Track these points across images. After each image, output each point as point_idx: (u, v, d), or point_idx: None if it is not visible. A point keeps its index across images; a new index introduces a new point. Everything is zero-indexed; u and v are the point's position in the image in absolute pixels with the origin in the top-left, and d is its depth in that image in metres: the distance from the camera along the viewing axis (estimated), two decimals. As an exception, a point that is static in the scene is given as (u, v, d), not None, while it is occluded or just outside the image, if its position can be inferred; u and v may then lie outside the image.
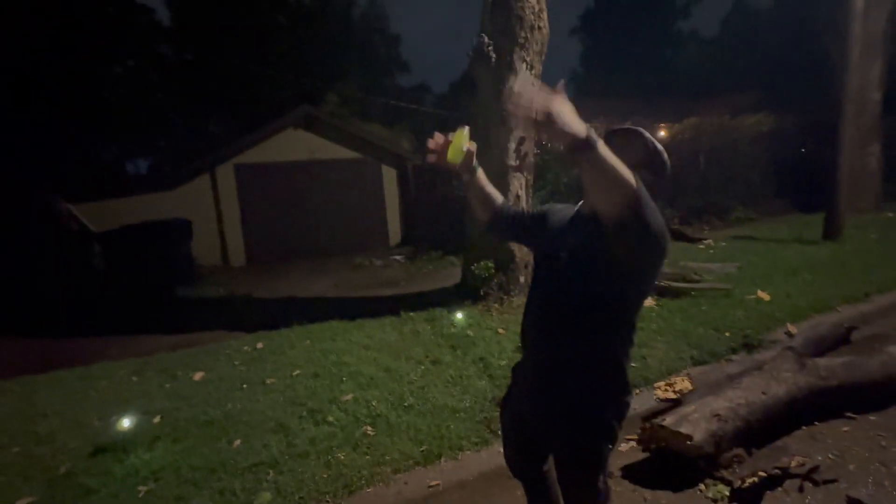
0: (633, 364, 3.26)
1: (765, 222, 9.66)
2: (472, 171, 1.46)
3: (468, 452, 2.55)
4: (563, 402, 1.28)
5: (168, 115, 16.58)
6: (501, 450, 2.60)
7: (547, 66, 4.88)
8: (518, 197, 4.72)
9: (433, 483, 2.31)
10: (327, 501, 2.21)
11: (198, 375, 3.67)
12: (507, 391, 1.58)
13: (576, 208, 1.42)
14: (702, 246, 7.42)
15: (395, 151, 10.28)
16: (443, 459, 2.47)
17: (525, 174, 4.75)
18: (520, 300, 4.72)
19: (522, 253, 4.85)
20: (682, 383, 2.82)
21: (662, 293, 4.56)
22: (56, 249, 6.68)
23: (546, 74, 5.06)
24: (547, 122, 0.90)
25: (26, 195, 6.83)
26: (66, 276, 6.56)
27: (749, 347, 3.54)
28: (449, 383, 3.24)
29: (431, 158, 1.35)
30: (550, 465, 1.56)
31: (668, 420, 2.29)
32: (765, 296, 4.45)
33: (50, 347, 4.97)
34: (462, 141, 1.30)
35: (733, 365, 3.27)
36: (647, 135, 1.28)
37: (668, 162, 1.29)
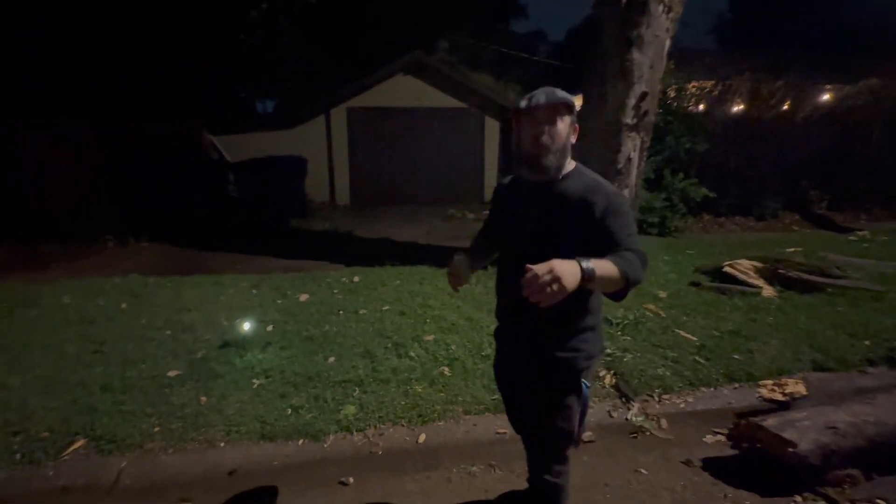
0: (736, 357, 3.00)
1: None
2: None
3: (539, 410, 2.57)
4: (539, 360, 1.42)
5: (292, 58, 17.76)
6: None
7: (688, 8, 4.23)
8: (629, 160, 4.32)
9: (500, 430, 2.38)
10: (402, 425, 2.42)
11: (303, 297, 4.13)
12: (495, 356, 1.68)
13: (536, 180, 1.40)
14: (853, 238, 6.23)
15: (501, 103, 9.94)
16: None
17: (642, 134, 4.30)
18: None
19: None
20: (795, 386, 2.49)
21: (788, 284, 3.96)
22: (199, 174, 7.78)
23: (686, 18, 4.37)
24: (560, 291, 1.01)
25: (177, 126, 7.94)
26: (206, 199, 7.66)
27: (894, 362, 2.97)
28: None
29: (456, 287, 1.51)
30: None
31: (771, 422, 2.06)
32: (929, 306, 3.65)
33: (192, 256, 5.94)
34: (463, 269, 1.50)
35: (868, 378, 2.79)
36: (558, 96, 1.29)
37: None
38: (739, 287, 3.95)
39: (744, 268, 4.15)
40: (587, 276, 1.05)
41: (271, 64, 16.22)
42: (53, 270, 5.34)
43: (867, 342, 3.18)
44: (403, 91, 9.66)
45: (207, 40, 13.02)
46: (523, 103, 1.30)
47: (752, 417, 2.14)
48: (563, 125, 1.30)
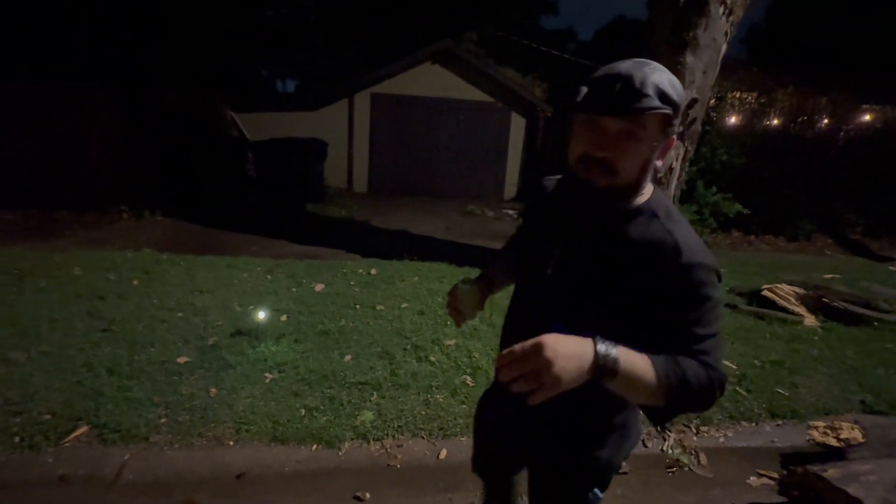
0: (780, 391, 2.80)
1: None
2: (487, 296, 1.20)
3: (567, 432, 2.40)
4: (557, 431, 1.01)
5: (316, 39, 17.58)
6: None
7: (748, 12, 3.96)
8: (671, 170, 4.09)
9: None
10: (423, 437, 2.26)
11: (318, 287, 3.98)
12: (490, 388, 1.30)
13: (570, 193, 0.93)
14: (893, 268, 5.94)
15: (529, 99, 9.67)
16: (540, 432, 2.36)
17: (686, 143, 4.07)
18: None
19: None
20: (851, 432, 2.29)
21: (832, 315, 3.73)
22: (219, 150, 7.65)
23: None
24: (553, 385, 0.66)
25: (199, 97, 7.80)
26: (224, 176, 7.54)
27: (951, 411, 2.74)
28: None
29: (459, 323, 1.14)
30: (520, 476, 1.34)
31: (832, 473, 1.86)
32: None
33: (206, 234, 5.82)
34: (470, 303, 1.14)
35: (929, 428, 2.57)
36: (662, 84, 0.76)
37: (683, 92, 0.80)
38: (779, 313, 3.72)
39: (784, 293, 3.92)
40: (604, 367, 0.68)
41: (296, 43, 16.06)
42: (66, 238, 5.25)
43: (920, 386, 2.96)
44: (430, 80, 9.43)
45: (233, 14, 12.87)
46: (584, 92, 0.78)
47: (808, 466, 1.94)
48: (646, 146, 0.78)
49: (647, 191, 0.88)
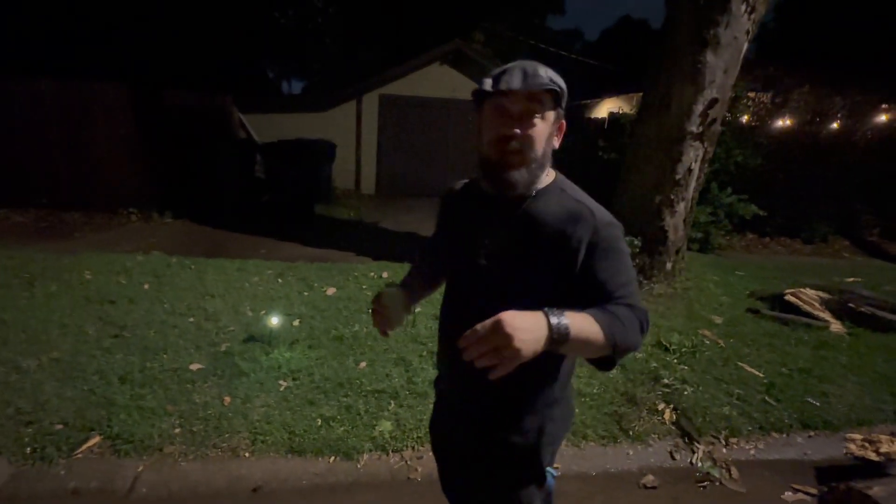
0: (810, 400, 2.70)
1: None
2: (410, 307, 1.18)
3: (592, 444, 2.33)
4: (495, 432, 1.06)
5: (324, 40, 17.57)
6: (630, 452, 2.37)
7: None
8: (689, 171, 3.99)
9: (553, 465, 2.13)
10: (443, 449, 2.18)
11: (330, 290, 3.91)
12: (433, 412, 1.29)
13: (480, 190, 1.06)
14: (915, 271, 5.80)
15: (537, 100, 9.56)
16: (564, 444, 2.27)
17: (706, 144, 3.97)
18: (662, 289, 4.15)
19: (677, 236, 4.19)
20: (891, 445, 2.18)
21: (858, 320, 3.62)
22: (228, 152, 7.61)
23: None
24: (514, 357, 0.70)
25: (208, 99, 7.77)
26: (233, 177, 7.50)
27: None
28: (577, 364, 2.98)
29: (385, 331, 1.11)
30: None
31: (877, 491, 1.77)
32: None
33: (215, 236, 5.78)
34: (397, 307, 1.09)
35: (971, 441, 2.46)
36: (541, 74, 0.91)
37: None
38: (804, 319, 3.62)
39: (808, 297, 3.81)
40: (557, 336, 0.74)
41: (304, 44, 16.06)
42: (76, 240, 5.23)
43: (957, 395, 2.85)
44: (439, 81, 9.36)
45: (241, 14, 12.87)
46: (489, 83, 0.90)
47: (850, 482, 1.85)
48: (545, 124, 0.92)
49: (550, 175, 1.01)
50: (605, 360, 0.85)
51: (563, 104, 0.94)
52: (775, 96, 7.44)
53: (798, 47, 17.72)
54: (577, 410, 2.46)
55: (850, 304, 3.67)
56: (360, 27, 16.51)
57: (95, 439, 2.05)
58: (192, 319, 3.18)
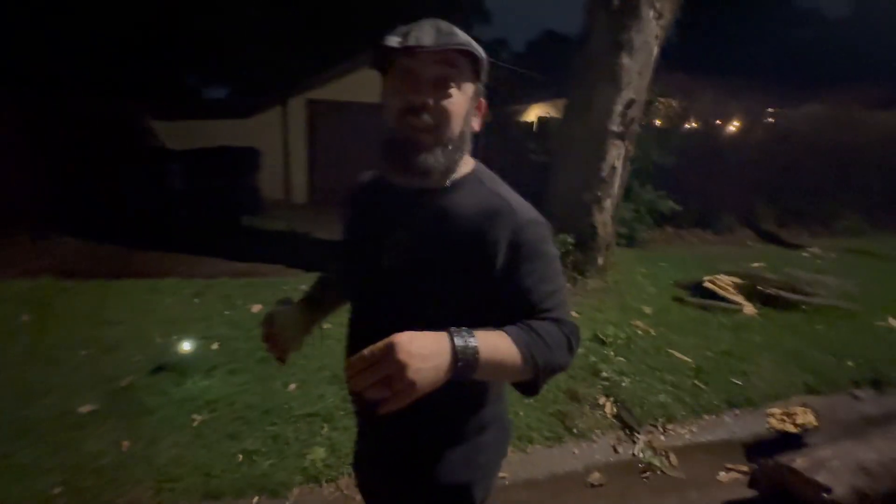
0: (734, 380, 2.86)
1: (881, 237, 8.36)
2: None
3: (538, 447, 2.27)
4: (417, 471, 0.90)
5: (248, 46, 16.69)
6: (575, 451, 2.34)
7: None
8: (613, 169, 4.16)
9: (500, 475, 2.05)
10: (383, 472, 2.02)
11: (256, 307, 3.59)
12: (356, 444, 1.11)
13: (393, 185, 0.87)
14: (806, 255, 6.51)
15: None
16: (510, 450, 2.20)
17: (627, 143, 4.16)
18: (595, 283, 4.28)
19: (606, 232, 4.35)
20: (805, 416, 2.35)
21: (767, 301, 3.95)
22: (138, 162, 6.88)
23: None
24: (409, 390, 0.57)
25: (115, 105, 7.00)
26: (142, 190, 6.77)
27: (879, 385, 2.95)
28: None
29: (281, 358, 0.97)
30: None
31: (800, 463, 1.86)
32: (897, 324, 3.75)
33: (123, 256, 5.14)
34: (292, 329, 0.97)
35: (868, 405, 2.72)
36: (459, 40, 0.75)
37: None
38: (721, 303, 3.88)
39: (723, 283, 4.10)
40: (463, 362, 0.60)
41: (225, 50, 15.14)
42: (-60, 269, 4.40)
43: (850, 363, 3.16)
44: (370, 86, 9.12)
45: (153, 17, 11.86)
46: (395, 40, 0.73)
47: (777, 457, 1.94)
48: (463, 97, 0.77)
49: (470, 162, 0.87)
50: (527, 383, 0.72)
51: (483, 77, 0.81)
52: (683, 100, 8.11)
53: (698, 60, 19.62)
54: (521, 413, 2.41)
55: (759, 287, 4.00)
56: (285, 32, 15.90)
57: (-56, 514, 1.65)
58: (84, 353, 2.74)
